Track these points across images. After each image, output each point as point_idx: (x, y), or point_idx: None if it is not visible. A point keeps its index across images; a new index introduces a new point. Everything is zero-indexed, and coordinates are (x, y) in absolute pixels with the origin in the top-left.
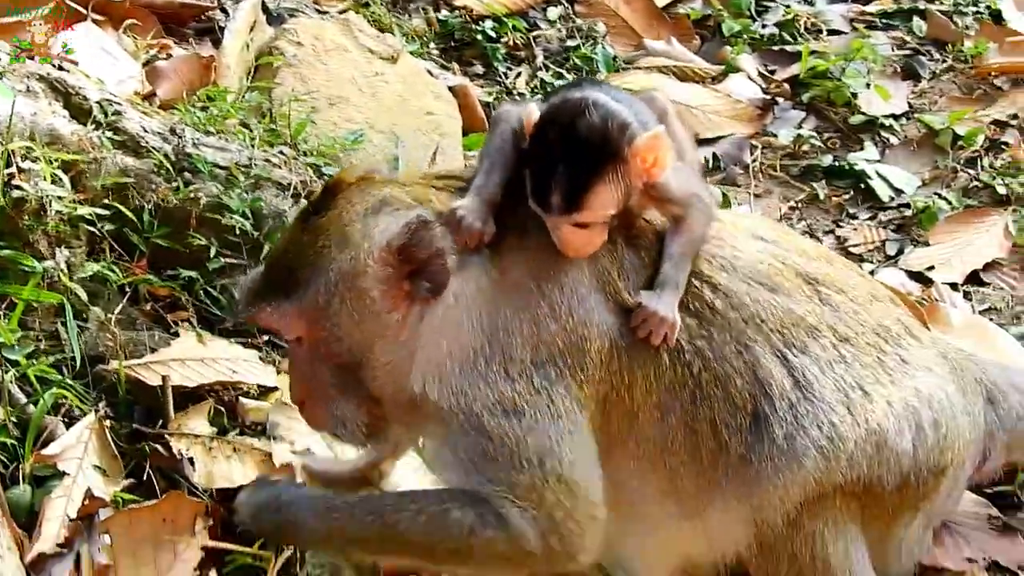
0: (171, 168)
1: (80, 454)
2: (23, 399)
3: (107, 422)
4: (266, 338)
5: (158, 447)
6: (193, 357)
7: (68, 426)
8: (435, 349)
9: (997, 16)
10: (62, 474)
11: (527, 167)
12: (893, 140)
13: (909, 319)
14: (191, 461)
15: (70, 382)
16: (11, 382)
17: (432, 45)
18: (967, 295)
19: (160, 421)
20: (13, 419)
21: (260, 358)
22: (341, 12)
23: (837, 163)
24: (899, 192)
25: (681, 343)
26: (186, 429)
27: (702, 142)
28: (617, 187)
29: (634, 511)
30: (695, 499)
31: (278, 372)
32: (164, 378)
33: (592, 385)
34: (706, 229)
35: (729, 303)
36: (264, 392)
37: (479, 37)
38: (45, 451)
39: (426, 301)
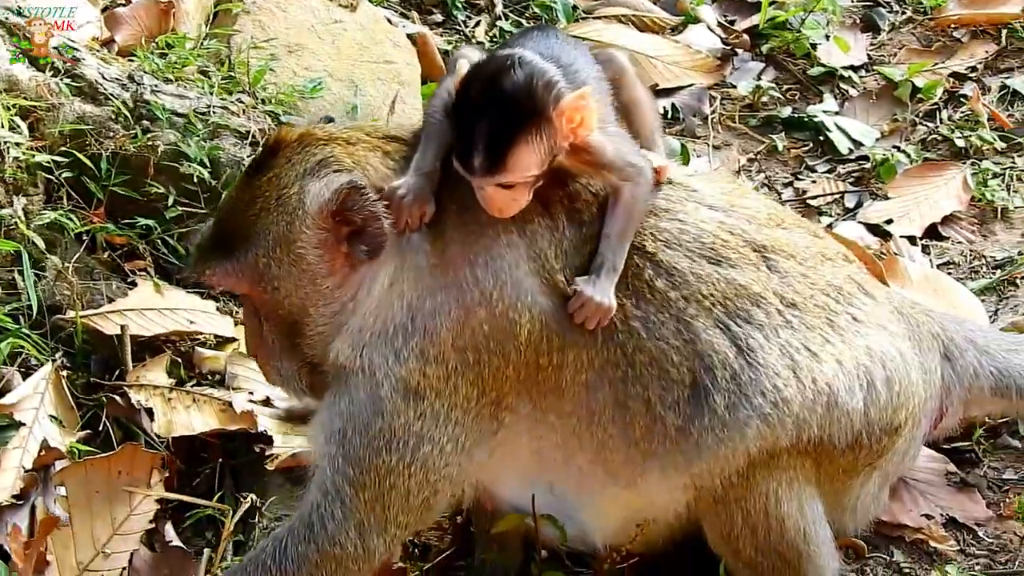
0: (129, 115)
1: (37, 404)
2: None
3: (64, 372)
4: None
5: (116, 397)
6: (150, 307)
7: (25, 376)
8: (360, 320)
9: None
10: (18, 424)
11: (455, 128)
12: (852, 92)
13: (863, 276)
14: (149, 412)
15: (27, 331)
16: None
17: None
18: (925, 249)
19: (118, 372)
20: None
21: (217, 308)
22: None
23: (796, 115)
24: (858, 144)
25: (615, 323)
26: (144, 381)
27: (661, 92)
28: (540, 147)
29: (568, 479)
30: (627, 469)
31: (235, 323)
32: (122, 327)
33: (514, 367)
34: (644, 203)
35: (671, 282)
36: (221, 342)
37: None
38: (1, 401)
39: (364, 263)
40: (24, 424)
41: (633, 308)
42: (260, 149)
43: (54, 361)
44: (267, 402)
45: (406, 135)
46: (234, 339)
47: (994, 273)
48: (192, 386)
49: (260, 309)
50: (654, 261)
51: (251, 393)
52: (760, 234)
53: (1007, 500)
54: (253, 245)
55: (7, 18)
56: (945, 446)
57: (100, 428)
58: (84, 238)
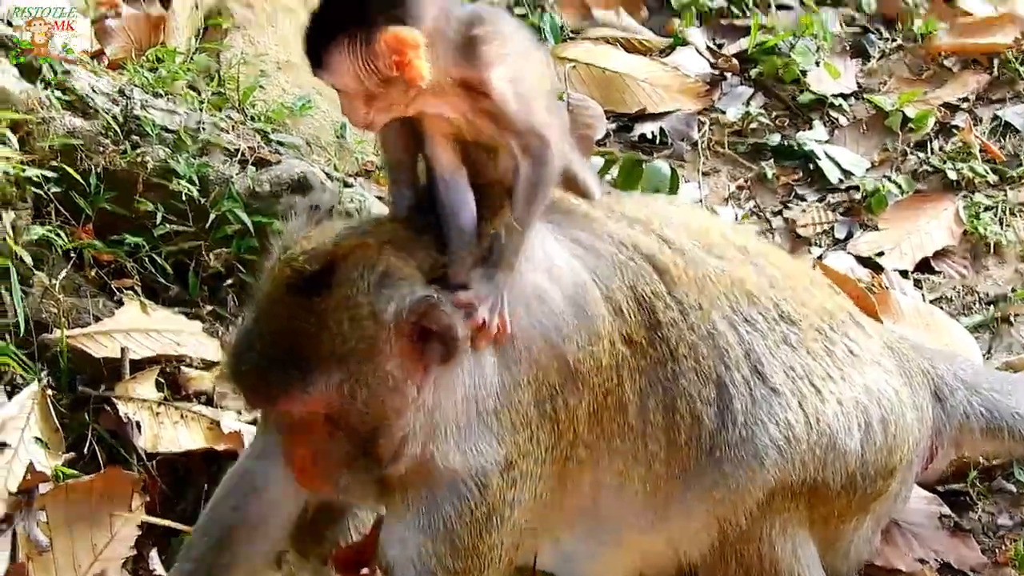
0: (119, 130)
1: (22, 425)
2: None
3: (49, 391)
4: (210, 308)
5: (106, 407)
6: (138, 328)
7: (10, 395)
8: (450, 414)
9: None
10: (3, 445)
11: None
12: (842, 120)
13: (852, 307)
14: (138, 426)
15: (13, 349)
16: None
17: None
18: (917, 283)
19: (102, 387)
20: None
21: (204, 330)
22: None
23: (786, 142)
24: (848, 174)
25: (657, 313)
26: (133, 394)
27: (649, 116)
28: (355, 61)
29: (602, 518)
30: (663, 495)
31: (222, 346)
32: (123, 350)
33: (586, 401)
34: (544, 190)
35: (688, 267)
36: (208, 365)
37: None
38: None
39: (440, 365)
40: (9, 445)
41: (668, 296)
42: (310, 262)
43: (40, 381)
44: (254, 422)
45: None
46: (219, 362)
47: (987, 309)
48: (179, 402)
49: (333, 426)
50: (674, 247)
51: (239, 413)
52: (741, 238)
53: (1002, 547)
54: (333, 367)
55: None
56: (939, 488)
57: (86, 450)
58: (72, 255)
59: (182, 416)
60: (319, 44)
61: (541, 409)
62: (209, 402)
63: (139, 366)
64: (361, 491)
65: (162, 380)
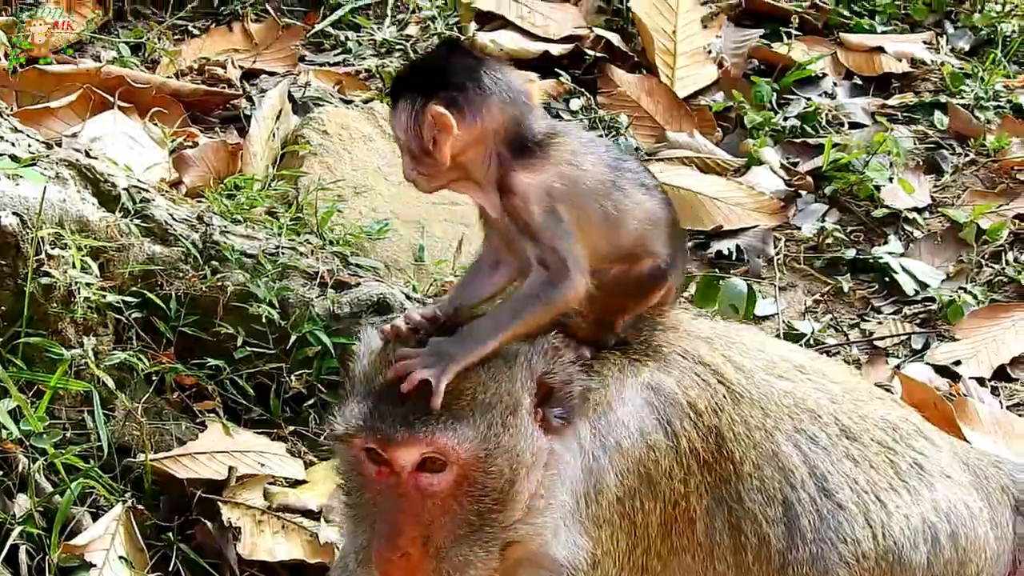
0: (198, 256)
1: (107, 545)
2: (49, 488)
3: (134, 514)
4: (292, 429)
5: (205, 521)
6: (220, 450)
7: (95, 517)
8: (559, 494)
9: (1018, 110)
10: (89, 566)
11: None
12: (917, 233)
13: (919, 419)
14: (237, 532)
15: (97, 472)
16: (38, 471)
17: None
18: (995, 390)
19: (190, 506)
20: (39, 509)
21: (287, 450)
22: (366, 101)
23: (861, 256)
24: (924, 286)
25: (722, 429)
26: (239, 499)
27: (725, 234)
28: (408, 120)
29: None
30: None
31: (305, 465)
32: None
33: (660, 507)
34: (541, 309)
35: (751, 386)
36: (293, 483)
37: None
38: (72, 542)
39: (557, 432)
40: (94, 566)
41: (733, 412)
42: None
43: (124, 502)
44: None
45: None
46: (304, 481)
47: None
48: (278, 512)
49: (463, 487)
50: (736, 364)
51: (342, 527)
52: (800, 357)
53: None
54: (486, 411)
55: (78, 160)
56: None
57: (170, 569)
58: (153, 378)
59: (283, 526)
60: (393, 93)
61: (622, 507)
62: (308, 515)
63: (218, 488)
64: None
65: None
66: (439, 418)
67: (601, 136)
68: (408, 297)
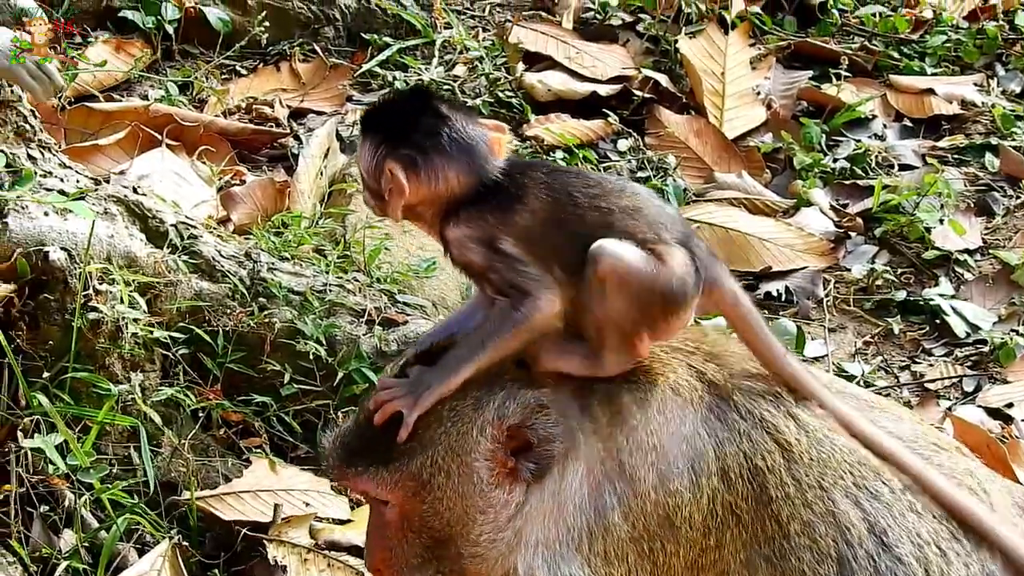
0: (246, 293)
1: None
2: (95, 524)
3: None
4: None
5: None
6: (265, 488)
7: (140, 553)
8: (540, 530)
9: None
10: None
11: None
12: (968, 276)
13: (979, 468)
14: (283, 570)
15: (143, 507)
16: (84, 507)
17: None
18: None
19: (236, 543)
20: (85, 544)
21: (332, 488)
22: None
23: (911, 298)
24: (975, 328)
25: (768, 488)
26: (286, 537)
27: (774, 275)
28: (370, 164)
29: None
30: None
31: (352, 506)
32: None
33: (684, 550)
34: (510, 337)
35: (810, 441)
36: (339, 522)
37: None
38: None
39: (528, 483)
40: None
41: (784, 471)
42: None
43: (170, 539)
44: None
45: None
46: (351, 520)
47: None
48: (325, 550)
49: (408, 520)
50: (800, 422)
51: None
52: (868, 412)
53: None
54: (419, 454)
55: (126, 196)
56: None
57: None
58: (200, 415)
59: (328, 564)
60: (362, 126)
61: (639, 547)
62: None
63: (263, 528)
64: None
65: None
66: (373, 458)
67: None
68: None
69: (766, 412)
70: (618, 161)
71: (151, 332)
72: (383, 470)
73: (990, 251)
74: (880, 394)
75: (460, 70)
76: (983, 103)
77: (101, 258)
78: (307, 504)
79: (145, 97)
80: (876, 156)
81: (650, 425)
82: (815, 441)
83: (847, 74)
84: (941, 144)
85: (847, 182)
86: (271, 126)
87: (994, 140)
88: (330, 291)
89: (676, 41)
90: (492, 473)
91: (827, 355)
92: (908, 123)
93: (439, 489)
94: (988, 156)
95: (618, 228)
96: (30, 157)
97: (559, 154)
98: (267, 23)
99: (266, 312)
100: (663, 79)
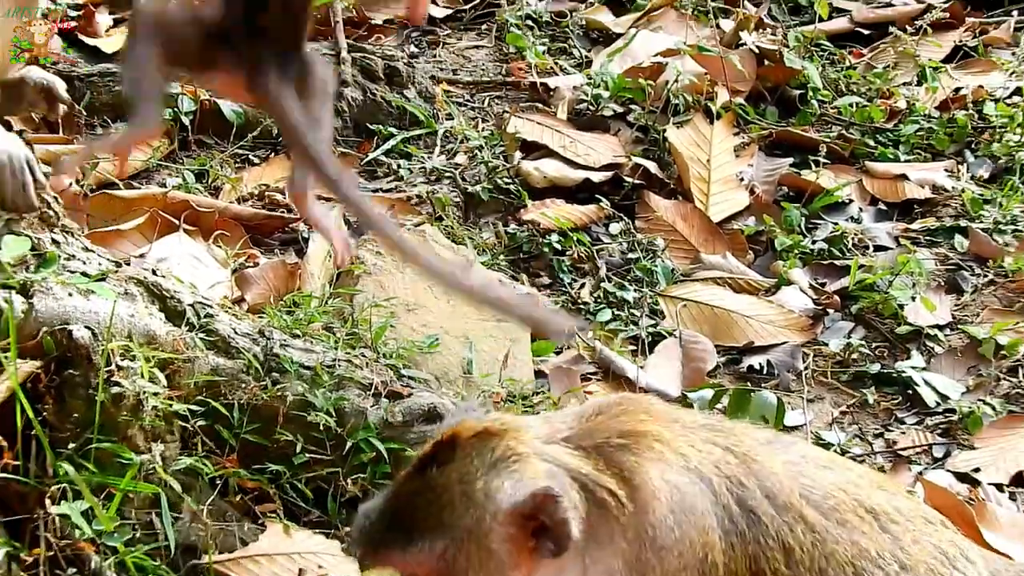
0: (260, 368)
1: None
2: None
3: None
4: (348, 529)
5: None
6: (279, 551)
7: None
8: None
9: None
10: None
11: None
12: (938, 349)
13: (962, 540)
14: None
15: (165, 569)
16: (110, 568)
17: (502, 257)
18: (1012, 496)
19: None
20: None
21: (343, 550)
22: (417, 225)
23: (885, 370)
24: (945, 398)
25: None
26: None
27: (757, 350)
28: None
29: None
30: None
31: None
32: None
33: None
34: None
35: (815, 538)
36: None
37: (546, 250)
38: None
39: (549, 560)
40: None
41: (785, 570)
42: (436, 443)
43: None
44: None
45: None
46: None
47: None
48: None
49: None
50: (804, 519)
51: None
52: (870, 498)
53: None
54: (439, 536)
55: (145, 277)
56: None
57: None
58: (218, 482)
59: None
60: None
61: None
62: None
63: None
64: None
65: None
66: (389, 546)
67: (635, 260)
68: (456, 406)
69: (772, 512)
70: (610, 243)
71: (170, 405)
72: (408, 549)
73: (959, 326)
74: (856, 460)
75: (461, 158)
76: (953, 188)
77: (122, 336)
78: (320, 567)
79: (163, 185)
80: (852, 238)
81: (667, 493)
82: (820, 541)
83: (826, 161)
84: (914, 226)
85: (825, 262)
86: (282, 212)
87: (963, 222)
88: (339, 366)
89: (664, 131)
90: (510, 554)
91: (806, 424)
92: (883, 207)
93: (460, 570)
94: (958, 237)
95: None
96: (54, 241)
97: (554, 237)
98: None
99: (279, 386)
100: (652, 166)
